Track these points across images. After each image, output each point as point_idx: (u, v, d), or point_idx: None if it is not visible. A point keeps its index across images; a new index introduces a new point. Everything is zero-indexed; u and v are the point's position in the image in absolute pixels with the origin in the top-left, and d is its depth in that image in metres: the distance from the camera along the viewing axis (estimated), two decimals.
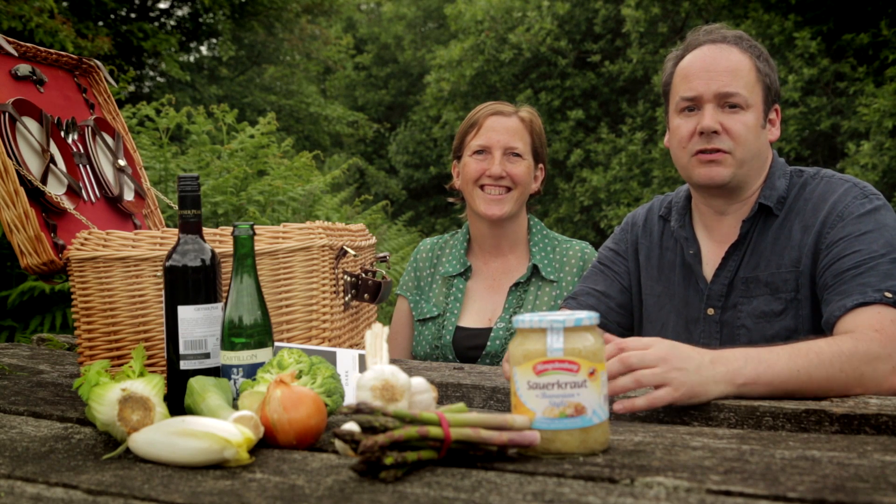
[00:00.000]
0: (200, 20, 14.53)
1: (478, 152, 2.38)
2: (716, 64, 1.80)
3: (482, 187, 2.36)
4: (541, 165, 2.47)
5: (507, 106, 2.43)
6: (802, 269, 1.75)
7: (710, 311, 1.84)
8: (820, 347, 1.50)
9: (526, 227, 2.49)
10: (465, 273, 2.46)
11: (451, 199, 2.62)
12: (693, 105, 1.82)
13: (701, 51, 1.84)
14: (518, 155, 2.37)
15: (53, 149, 2.00)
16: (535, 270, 2.40)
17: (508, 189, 2.36)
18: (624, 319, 2.02)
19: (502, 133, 2.36)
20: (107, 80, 2.37)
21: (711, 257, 1.88)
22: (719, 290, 1.84)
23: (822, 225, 1.74)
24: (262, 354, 1.46)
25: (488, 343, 2.33)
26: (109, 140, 2.25)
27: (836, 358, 1.48)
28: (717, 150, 1.79)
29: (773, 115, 1.87)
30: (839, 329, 1.60)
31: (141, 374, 1.39)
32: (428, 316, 2.43)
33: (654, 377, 1.40)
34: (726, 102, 1.79)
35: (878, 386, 1.50)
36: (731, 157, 1.79)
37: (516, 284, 2.39)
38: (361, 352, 1.57)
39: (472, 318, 2.40)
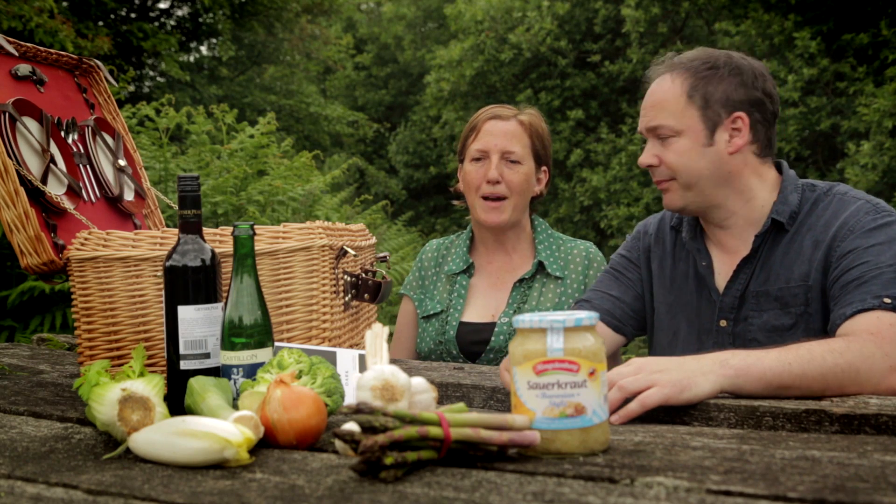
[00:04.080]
0: (200, 20, 14.53)
1: (476, 158, 2.38)
2: (647, 100, 1.87)
3: (482, 196, 2.37)
4: (544, 168, 2.46)
5: (506, 109, 2.43)
6: (812, 284, 1.74)
7: (723, 323, 1.85)
8: (811, 345, 1.51)
9: (529, 228, 2.49)
10: (468, 270, 2.47)
11: (455, 202, 2.62)
12: (645, 138, 1.90)
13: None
14: (515, 161, 2.36)
15: (53, 149, 2.00)
16: (540, 267, 2.40)
17: (504, 197, 2.35)
18: (639, 324, 2.04)
19: (499, 137, 2.36)
20: (107, 80, 2.36)
21: (723, 269, 1.88)
22: (731, 303, 1.84)
23: (832, 239, 1.73)
24: (262, 354, 1.46)
25: (492, 338, 2.33)
26: (109, 140, 2.25)
27: (829, 354, 1.48)
28: (662, 181, 1.86)
29: (737, 125, 1.80)
30: (840, 335, 1.60)
31: (141, 374, 1.39)
32: (431, 312, 2.44)
33: (638, 381, 1.42)
34: (657, 135, 1.84)
35: (876, 386, 1.50)
36: (676, 182, 1.84)
37: (521, 281, 2.40)
38: (361, 352, 1.57)
39: (475, 313, 2.41)
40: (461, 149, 2.47)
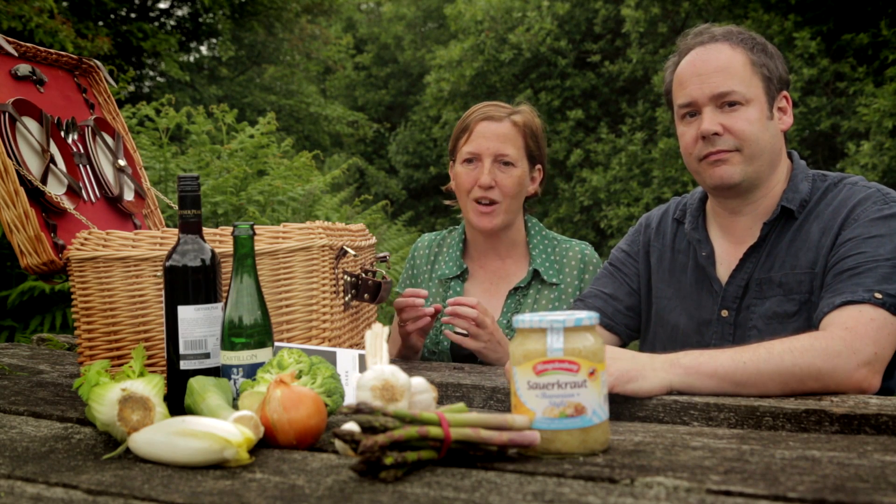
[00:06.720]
0: (200, 20, 14.53)
1: (468, 160, 2.32)
2: (706, 65, 1.79)
3: (474, 199, 2.31)
4: (538, 167, 2.40)
5: (499, 109, 2.34)
6: (818, 272, 1.72)
7: (725, 313, 1.82)
8: (771, 344, 1.50)
9: (524, 231, 2.43)
10: (462, 275, 2.41)
11: (447, 202, 2.58)
12: (693, 110, 1.81)
13: (692, 54, 1.83)
14: (509, 163, 2.29)
15: (53, 149, 2.00)
16: (535, 275, 2.35)
17: (496, 202, 2.29)
18: (632, 322, 2.02)
19: (492, 140, 2.28)
20: (107, 80, 2.36)
21: (726, 258, 1.86)
22: (735, 292, 1.81)
23: (839, 227, 1.71)
24: (262, 354, 1.46)
25: None
26: (109, 140, 2.25)
27: (788, 354, 1.47)
28: (722, 151, 1.78)
29: (782, 104, 1.83)
30: (821, 326, 1.59)
31: (141, 374, 1.39)
32: None
33: None
34: (724, 102, 1.77)
35: (840, 383, 1.47)
36: (740, 154, 1.77)
37: (515, 289, 2.34)
38: (361, 352, 1.57)
39: None
40: (452, 149, 2.41)
